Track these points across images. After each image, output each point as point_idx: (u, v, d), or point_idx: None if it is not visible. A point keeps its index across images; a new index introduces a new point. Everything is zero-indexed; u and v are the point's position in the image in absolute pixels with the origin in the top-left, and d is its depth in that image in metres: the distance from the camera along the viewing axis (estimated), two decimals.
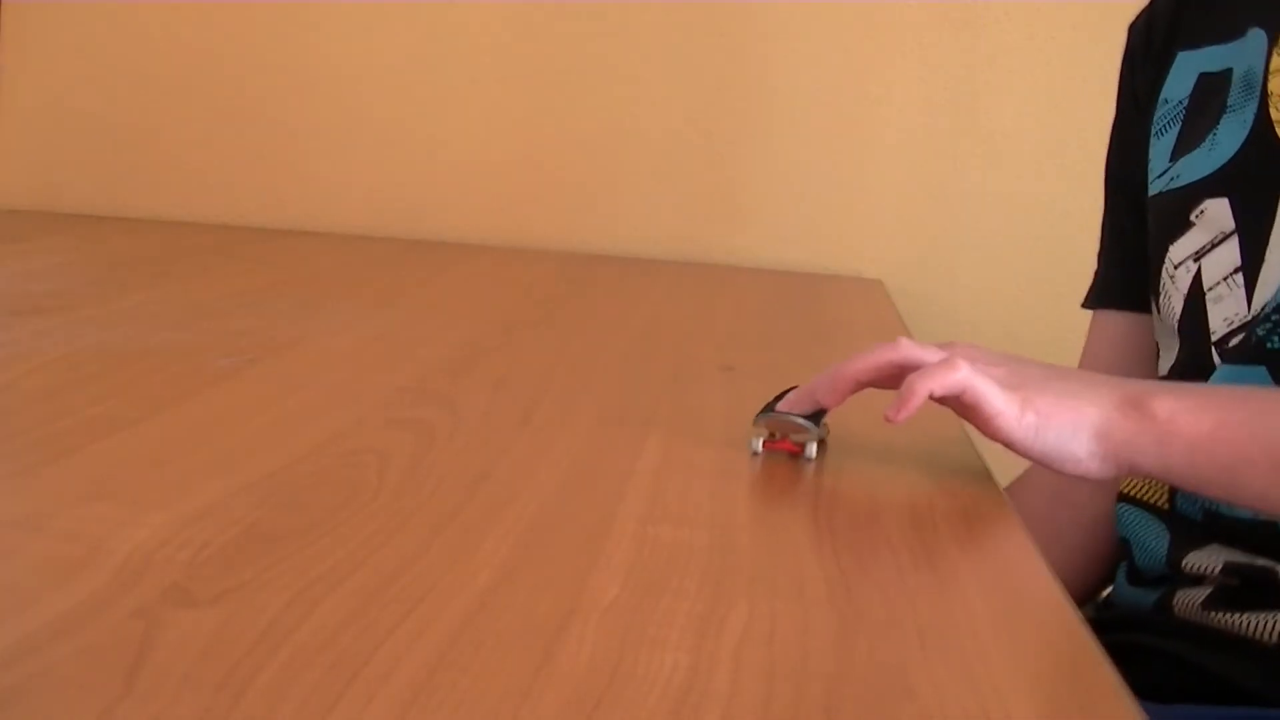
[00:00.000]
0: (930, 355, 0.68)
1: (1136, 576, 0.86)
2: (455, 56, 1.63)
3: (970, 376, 0.66)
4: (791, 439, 0.72)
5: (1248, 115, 0.79)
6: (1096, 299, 0.96)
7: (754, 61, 1.59)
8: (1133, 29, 0.94)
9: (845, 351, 0.74)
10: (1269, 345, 0.75)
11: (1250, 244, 0.78)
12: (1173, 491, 0.82)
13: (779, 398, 0.74)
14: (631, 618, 0.49)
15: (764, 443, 0.72)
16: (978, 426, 0.68)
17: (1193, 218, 0.82)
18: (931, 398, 0.66)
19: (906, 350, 0.69)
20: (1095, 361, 0.96)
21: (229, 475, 0.62)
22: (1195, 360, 0.82)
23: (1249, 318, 0.78)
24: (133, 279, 1.22)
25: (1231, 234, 0.79)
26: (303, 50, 1.65)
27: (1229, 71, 0.83)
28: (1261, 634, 0.74)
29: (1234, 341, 0.79)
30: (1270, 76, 0.79)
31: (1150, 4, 0.93)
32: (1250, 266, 0.78)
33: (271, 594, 0.48)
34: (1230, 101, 0.81)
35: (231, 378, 0.84)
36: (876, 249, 1.61)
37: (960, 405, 0.67)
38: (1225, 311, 0.79)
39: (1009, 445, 0.67)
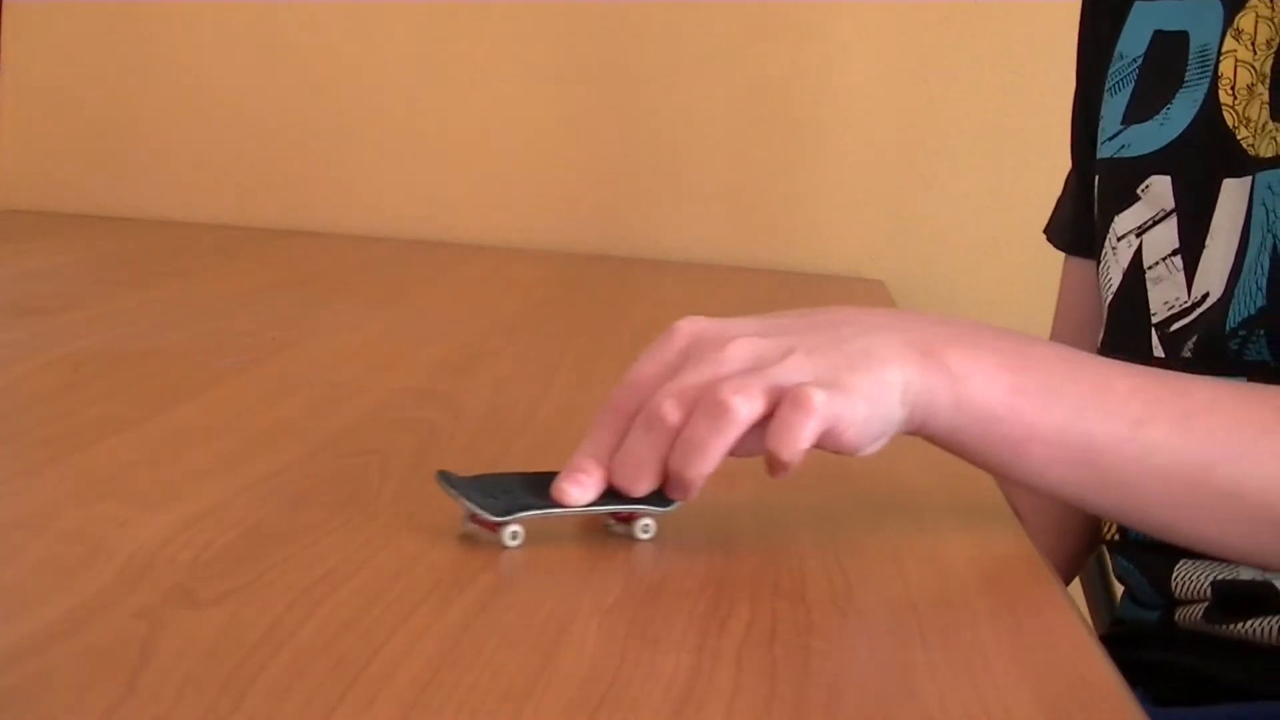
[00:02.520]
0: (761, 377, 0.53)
1: (1135, 599, 0.85)
2: (457, 57, 1.63)
3: (828, 408, 0.52)
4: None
5: (1198, 94, 0.78)
6: (1071, 244, 0.93)
7: (754, 63, 1.59)
8: None
9: None
10: (1247, 356, 0.73)
11: (1188, 227, 0.77)
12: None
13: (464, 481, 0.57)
14: (633, 618, 0.49)
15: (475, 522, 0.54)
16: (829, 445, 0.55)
17: (1139, 190, 0.80)
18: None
19: (745, 414, 0.52)
20: (1075, 310, 0.93)
21: (231, 475, 0.63)
22: (1130, 341, 0.80)
23: (1188, 303, 0.77)
24: (134, 279, 1.22)
25: (1171, 213, 0.78)
26: (304, 51, 1.65)
27: (1185, 36, 0.81)
28: (1266, 637, 0.73)
29: (1175, 327, 0.77)
30: (1222, 58, 0.77)
31: None
32: (1189, 250, 0.77)
33: (274, 594, 0.48)
34: (1187, 76, 0.79)
35: (234, 378, 0.84)
36: (878, 250, 1.61)
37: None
38: (1165, 294, 0.78)
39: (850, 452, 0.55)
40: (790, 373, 0.53)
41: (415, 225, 1.65)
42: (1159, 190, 0.79)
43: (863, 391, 0.54)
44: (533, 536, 0.56)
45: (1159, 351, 0.79)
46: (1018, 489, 0.65)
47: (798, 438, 0.52)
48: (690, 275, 1.51)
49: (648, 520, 0.56)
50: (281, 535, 0.55)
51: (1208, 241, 0.76)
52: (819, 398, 0.52)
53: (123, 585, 0.48)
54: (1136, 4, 0.85)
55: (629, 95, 1.62)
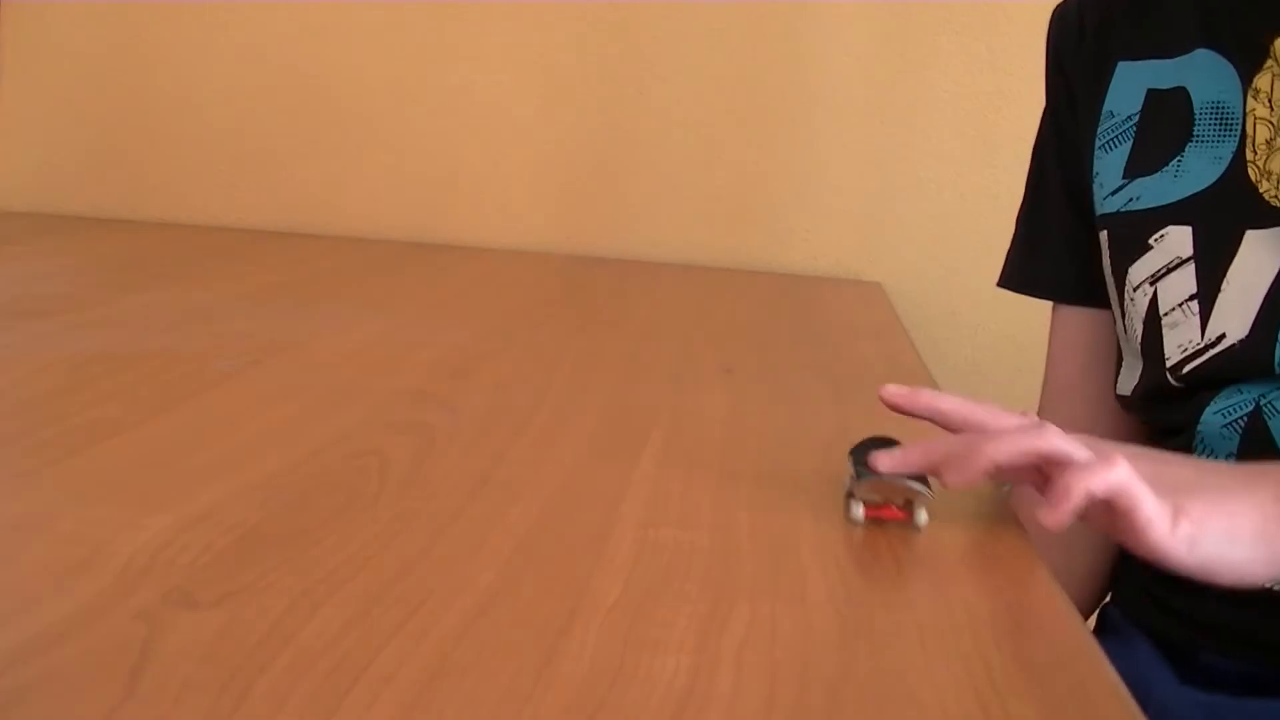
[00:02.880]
0: (1078, 450, 0.60)
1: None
2: (455, 60, 1.63)
3: (1130, 478, 0.58)
4: (895, 504, 0.63)
5: (1223, 152, 0.80)
6: (1068, 293, 0.94)
7: (754, 66, 1.60)
8: (1058, 18, 0.92)
9: (845, 354, 0.74)
10: None
11: (1206, 273, 0.79)
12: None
13: (861, 448, 0.66)
14: (633, 620, 0.49)
15: (866, 509, 0.63)
16: (1120, 535, 0.60)
17: (1151, 241, 0.82)
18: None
19: (1054, 442, 0.60)
20: (1065, 362, 0.95)
21: (230, 478, 0.63)
22: (1155, 383, 0.82)
23: (1201, 344, 0.79)
24: (133, 281, 1.22)
25: (1188, 260, 0.80)
26: (303, 52, 1.65)
27: (1183, 92, 0.83)
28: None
29: (1188, 369, 0.79)
30: (1248, 118, 0.80)
31: (1078, 1, 0.91)
32: (1205, 295, 0.79)
33: (273, 596, 0.48)
34: (1198, 131, 0.81)
35: (232, 380, 0.84)
36: (876, 252, 1.61)
37: (1108, 511, 0.59)
38: (1179, 338, 0.80)
39: (1159, 558, 0.60)
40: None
41: (414, 227, 1.65)
42: (1176, 239, 0.81)
43: (1188, 508, 0.60)
44: (535, 536, 0.56)
45: (1175, 383, 0.81)
46: (1050, 539, 0.68)
47: (1091, 476, 0.57)
48: (688, 277, 1.51)
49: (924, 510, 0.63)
50: (281, 537, 0.55)
51: (1224, 286, 0.78)
52: (1125, 468, 0.58)
53: (122, 587, 0.48)
54: (1121, 64, 0.87)
55: (628, 98, 1.62)
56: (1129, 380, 0.86)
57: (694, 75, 1.60)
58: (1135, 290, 0.83)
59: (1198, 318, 0.79)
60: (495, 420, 0.78)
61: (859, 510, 0.63)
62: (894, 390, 0.66)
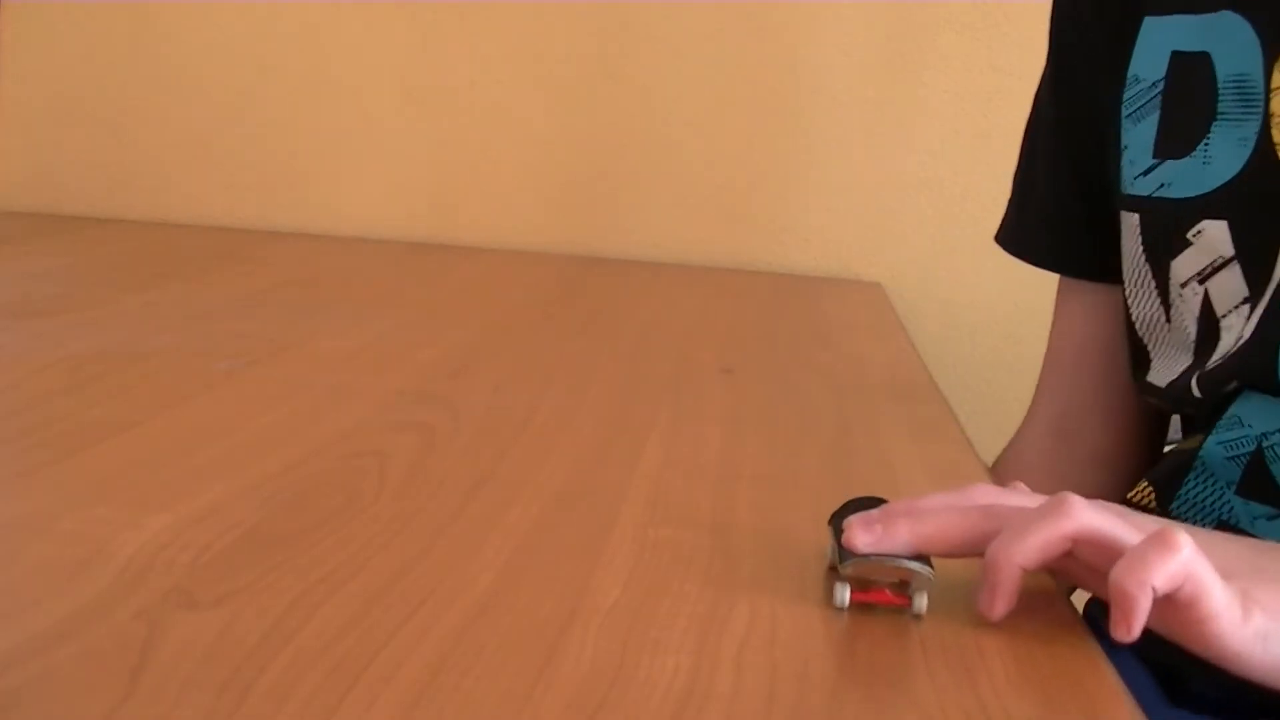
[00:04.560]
0: (1120, 529, 0.50)
1: None
2: (455, 59, 1.63)
3: (1197, 561, 0.48)
4: (888, 588, 0.53)
5: (1248, 132, 0.75)
6: (1069, 265, 0.91)
7: (755, 65, 1.60)
8: None
9: (845, 354, 0.74)
10: None
11: (1254, 272, 0.74)
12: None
13: (842, 513, 0.56)
14: (633, 620, 0.49)
15: (852, 593, 0.53)
16: (1180, 635, 0.50)
17: (1190, 236, 0.77)
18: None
19: (1087, 523, 0.50)
20: (1069, 339, 0.91)
21: (230, 478, 0.63)
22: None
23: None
24: (133, 281, 1.22)
25: (1231, 260, 0.75)
26: (303, 52, 1.65)
27: (1207, 59, 0.77)
28: None
29: (1212, 366, 0.76)
30: (1273, 94, 0.74)
31: None
32: (1257, 295, 0.74)
33: (273, 596, 0.48)
34: (1223, 108, 0.77)
35: (232, 380, 0.84)
36: (875, 252, 1.61)
37: (1166, 603, 0.49)
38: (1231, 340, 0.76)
39: (1228, 660, 0.50)
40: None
41: (413, 227, 1.65)
42: (1215, 236, 0.75)
43: (1257, 595, 0.50)
44: (535, 536, 0.56)
45: (1197, 392, 0.77)
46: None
47: (1152, 568, 0.47)
48: (688, 278, 1.51)
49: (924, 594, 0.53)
50: (281, 537, 0.55)
51: (1274, 282, 0.73)
52: (1190, 550, 0.48)
53: (122, 587, 0.48)
54: (1147, 19, 0.81)
55: (628, 97, 1.62)
56: (1166, 373, 0.81)
57: (694, 75, 1.60)
58: (1184, 288, 0.78)
59: (1254, 322, 0.74)
60: (495, 420, 0.78)
61: (844, 594, 0.52)
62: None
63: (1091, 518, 0.50)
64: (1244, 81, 0.76)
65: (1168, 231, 0.79)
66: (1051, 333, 0.95)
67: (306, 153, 1.66)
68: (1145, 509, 0.80)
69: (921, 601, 0.52)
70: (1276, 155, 0.73)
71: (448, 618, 0.47)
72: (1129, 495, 0.83)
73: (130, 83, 1.67)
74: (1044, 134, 0.92)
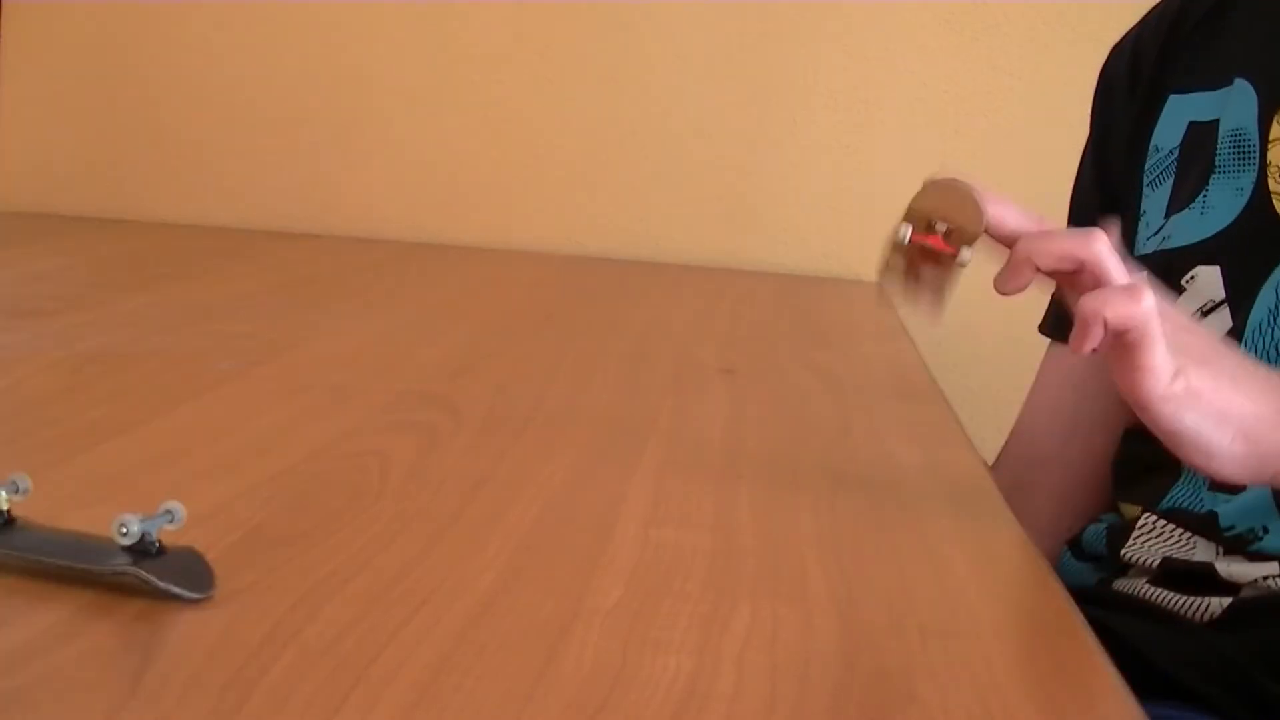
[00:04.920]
0: (1116, 267, 0.59)
1: (1080, 553, 0.85)
2: (457, 59, 1.63)
3: (1151, 317, 0.56)
4: (943, 236, 0.59)
5: (1244, 183, 0.77)
6: (1057, 328, 0.92)
7: (755, 65, 1.60)
8: (1115, 54, 0.91)
9: (846, 354, 0.74)
10: None
11: (1242, 315, 0.77)
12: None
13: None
14: (634, 621, 0.49)
15: (912, 235, 0.59)
16: (1116, 373, 0.59)
17: (1184, 283, 0.79)
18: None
19: (1098, 252, 0.58)
20: (1046, 393, 0.93)
21: (232, 478, 0.63)
22: None
23: None
24: (134, 282, 1.22)
25: (1221, 303, 0.77)
26: (304, 52, 1.65)
27: (1215, 123, 0.81)
28: (1194, 614, 0.75)
29: None
30: (1270, 146, 0.77)
31: (1138, 30, 0.89)
32: (1239, 335, 0.77)
33: (276, 596, 0.48)
34: (1219, 161, 0.79)
35: (232, 380, 0.84)
36: (876, 252, 1.61)
37: (1116, 341, 0.57)
38: None
39: (1141, 408, 0.59)
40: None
41: (414, 227, 1.65)
42: (1207, 281, 0.78)
43: (1191, 373, 0.58)
44: (535, 536, 0.56)
45: None
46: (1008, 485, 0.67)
47: (1112, 304, 0.56)
48: (689, 278, 1.51)
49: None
50: (282, 537, 0.55)
51: (1250, 314, 0.76)
52: (1149, 306, 0.56)
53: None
54: (1172, 97, 0.84)
55: (629, 98, 1.62)
56: None
57: (694, 75, 1.60)
58: None
59: None
60: (496, 420, 0.78)
61: (906, 231, 0.59)
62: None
63: (1102, 250, 0.59)
64: (1240, 135, 0.79)
65: (1165, 281, 0.81)
66: (1031, 391, 0.96)
67: (307, 153, 1.66)
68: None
69: (967, 254, 0.60)
70: (1273, 203, 0.76)
71: (449, 617, 0.47)
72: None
73: (130, 83, 1.67)
74: (1085, 189, 0.94)
